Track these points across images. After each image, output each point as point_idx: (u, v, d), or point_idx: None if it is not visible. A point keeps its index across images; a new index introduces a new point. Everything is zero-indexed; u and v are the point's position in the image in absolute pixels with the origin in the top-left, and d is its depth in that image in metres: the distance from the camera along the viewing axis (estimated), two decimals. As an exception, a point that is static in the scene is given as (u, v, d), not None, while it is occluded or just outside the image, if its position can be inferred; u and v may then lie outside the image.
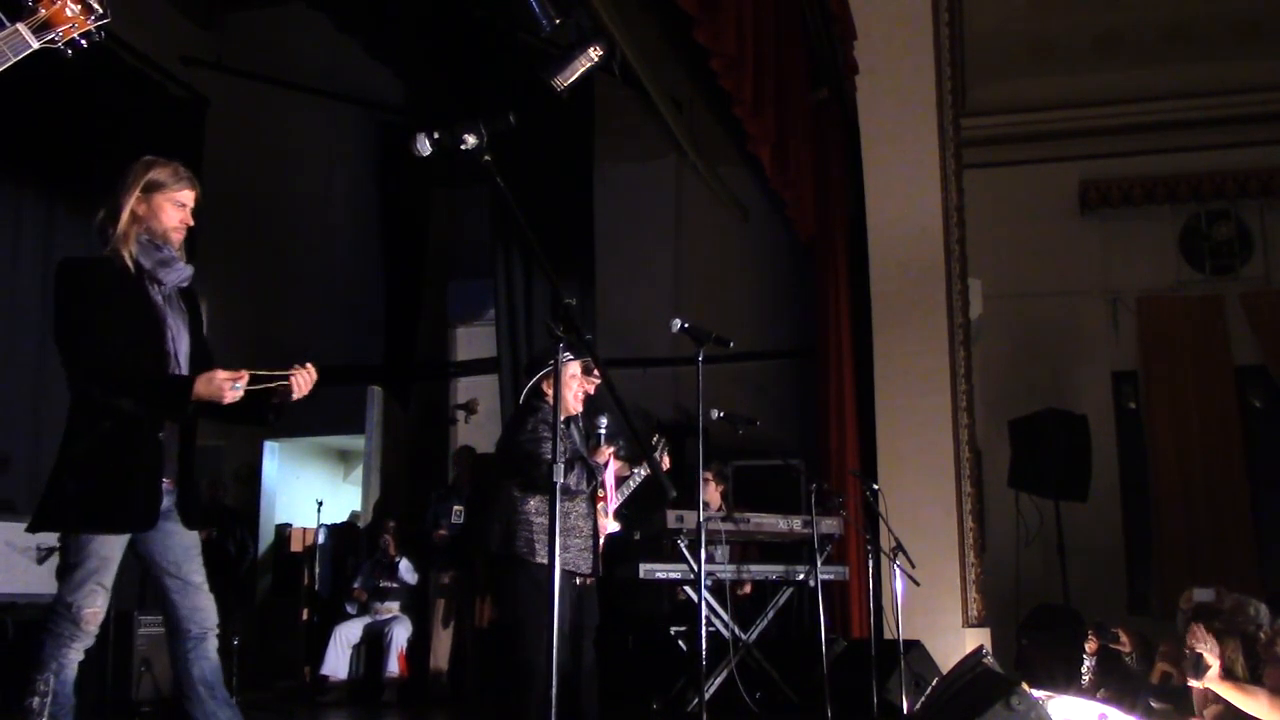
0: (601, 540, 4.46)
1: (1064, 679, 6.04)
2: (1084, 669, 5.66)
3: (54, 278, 3.03)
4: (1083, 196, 9.19)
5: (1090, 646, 5.68)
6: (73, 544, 2.94)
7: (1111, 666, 5.71)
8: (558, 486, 2.70)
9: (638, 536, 5.97)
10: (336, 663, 7.73)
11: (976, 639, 6.60)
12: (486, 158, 2.73)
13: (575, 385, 4.24)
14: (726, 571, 6.16)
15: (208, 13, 9.53)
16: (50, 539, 5.75)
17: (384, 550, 7.96)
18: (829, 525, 6.16)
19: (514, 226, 5.71)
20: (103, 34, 2.20)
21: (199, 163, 7.22)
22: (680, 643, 6.41)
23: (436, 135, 2.71)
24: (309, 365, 3.04)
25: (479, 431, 9.10)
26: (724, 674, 5.87)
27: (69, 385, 3.00)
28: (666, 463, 4.79)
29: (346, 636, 7.82)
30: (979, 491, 7.75)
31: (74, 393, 2.99)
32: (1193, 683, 4.33)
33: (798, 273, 8.90)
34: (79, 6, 2.15)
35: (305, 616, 8.87)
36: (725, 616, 5.94)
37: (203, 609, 3.06)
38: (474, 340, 9.50)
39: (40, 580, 5.98)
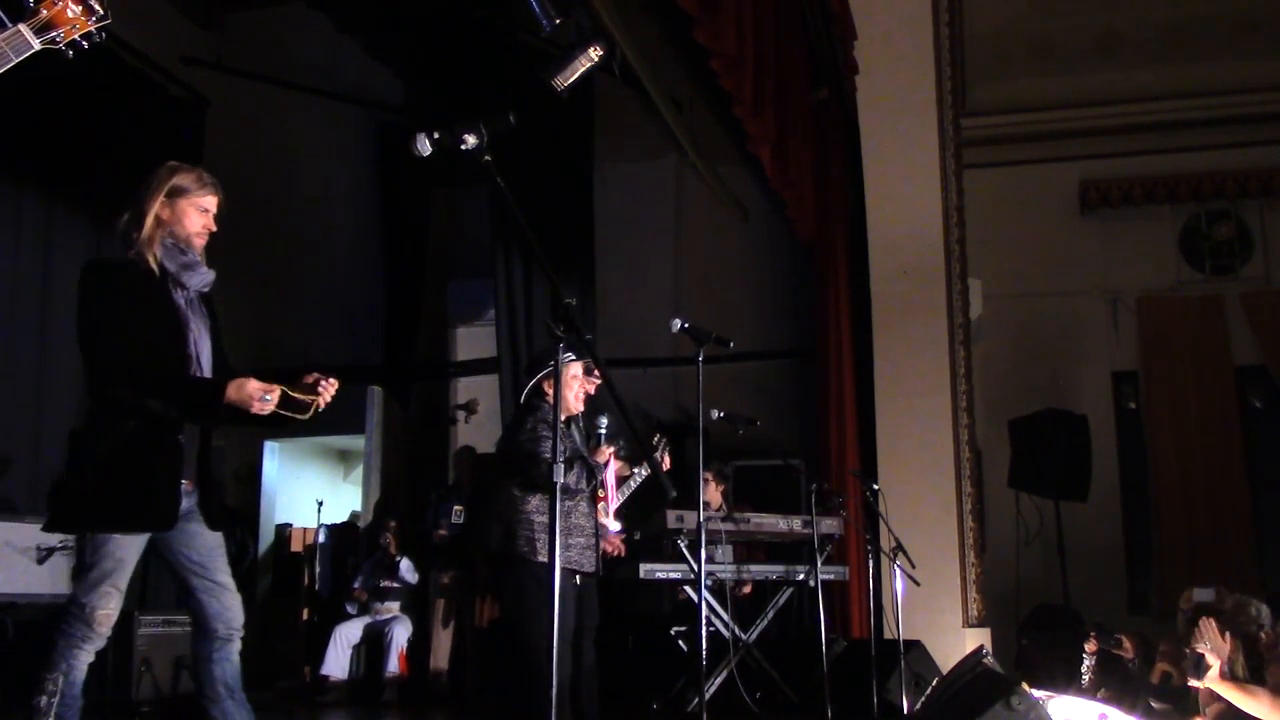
0: (604, 540, 4.47)
1: (1064, 679, 6.04)
2: (1084, 669, 5.66)
3: (79, 278, 3.04)
4: (1083, 196, 9.18)
5: (1090, 647, 5.68)
6: (90, 545, 2.95)
7: (1111, 667, 5.71)
8: (558, 486, 2.70)
9: (638, 536, 5.97)
10: (337, 663, 7.73)
11: (976, 639, 6.60)
12: (486, 158, 2.73)
13: (576, 385, 4.23)
14: (727, 571, 6.16)
15: (208, 13, 9.52)
16: (51, 539, 5.79)
17: (385, 550, 7.96)
18: (829, 525, 6.16)
19: (514, 226, 5.72)
20: (103, 34, 2.20)
21: (199, 163, 7.13)
22: (680, 643, 6.41)
23: (436, 135, 2.71)
24: (333, 380, 3.07)
25: (479, 431, 9.10)
26: (724, 674, 5.87)
27: (88, 385, 2.99)
28: (667, 463, 4.80)
29: (347, 636, 7.81)
30: (979, 491, 7.75)
31: (95, 392, 2.99)
32: (1193, 683, 4.32)
33: (798, 273, 8.90)
34: (80, 7, 2.16)
35: (305, 616, 8.86)
36: (725, 616, 5.94)
37: (230, 609, 3.10)
38: (474, 340, 9.49)
39: (40, 580, 5.96)
